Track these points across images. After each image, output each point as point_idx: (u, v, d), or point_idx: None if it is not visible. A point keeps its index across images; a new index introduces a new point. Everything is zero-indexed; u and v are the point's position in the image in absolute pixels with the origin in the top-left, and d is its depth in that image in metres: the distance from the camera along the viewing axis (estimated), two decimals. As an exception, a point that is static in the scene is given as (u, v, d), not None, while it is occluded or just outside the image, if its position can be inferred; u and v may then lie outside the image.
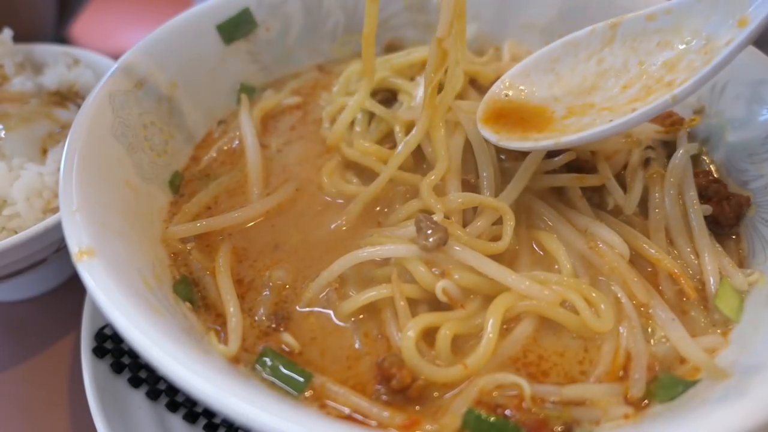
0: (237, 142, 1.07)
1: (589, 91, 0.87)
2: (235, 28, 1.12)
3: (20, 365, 1.14)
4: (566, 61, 0.88)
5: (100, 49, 1.39)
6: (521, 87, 0.91)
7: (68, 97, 1.28)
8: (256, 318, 0.84)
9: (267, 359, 0.78)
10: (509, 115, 0.91)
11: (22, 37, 1.34)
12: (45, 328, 1.19)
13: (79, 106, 1.24)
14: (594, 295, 0.82)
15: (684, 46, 0.84)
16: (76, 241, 0.71)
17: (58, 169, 1.04)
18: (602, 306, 0.81)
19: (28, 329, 1.19)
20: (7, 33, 1.32)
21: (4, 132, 1.11)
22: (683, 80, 0.80)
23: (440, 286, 0.81)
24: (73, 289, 1.23)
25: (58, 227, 0.97)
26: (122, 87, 0.94)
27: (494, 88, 0.94)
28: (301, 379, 0.76)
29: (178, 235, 0.91)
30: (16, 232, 1.04)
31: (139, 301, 0.69)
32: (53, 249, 1.08)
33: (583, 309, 0.80)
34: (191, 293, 0.86)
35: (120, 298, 0.67)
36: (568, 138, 0.83)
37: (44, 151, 1.13)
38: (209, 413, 0.94)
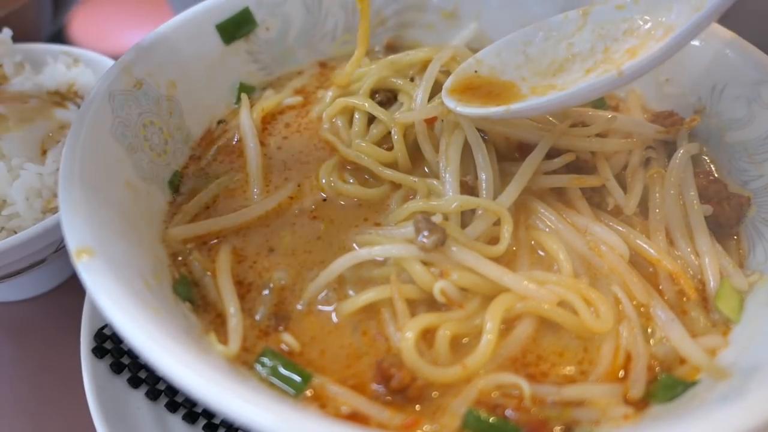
0: (237, 140, 1.06)
1: (554, 73, 0.90)
2: (235, 28, 1.12)
3: (20, 365, 1.14)
4: (537, 44, 0.92)
5: (99, 48, 1.39)
6: (491, 64, 0.95)
7: (68, 97, 1.28)
8: (257, 318, 0.84)
9: (266, 359, 0.78)
10: (478, 89, 0.94)
11: (17, 35, 1.34)
12: (45, 328, 1.19)
13: (78, 106, 1.24)
14: (593, 295, 0.82)
15: (647, 34, 0.87)
16: (75, 241, 0.71)
17: (58, 169, 1.04)
18: (601, 306, 0.81)
19: (28, 329, 1.19)
20: (7, 33, 1.31)
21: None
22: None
23: (438, 287, 0.81)
24: (73, 289, 1.23)
25: (57, 227, 0.97)
26: (121, 86, 0.94)
27: (464, 65, 0.98)
28: (300, 380, 0.76)
29: (178, 237, 0.91)
30: (15, 232, 1.04)
31: (139, 301, 0.69)
32: (53, 249, 1.08)
33: (582, 309, 0.80)
34: (191, 293, 0.86)
35: (119, 298, 0.67)
36: (517, 105, 0.87)
37: (44, 151, 1.13)
38: (209, 413, 0.94)
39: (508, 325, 0.82)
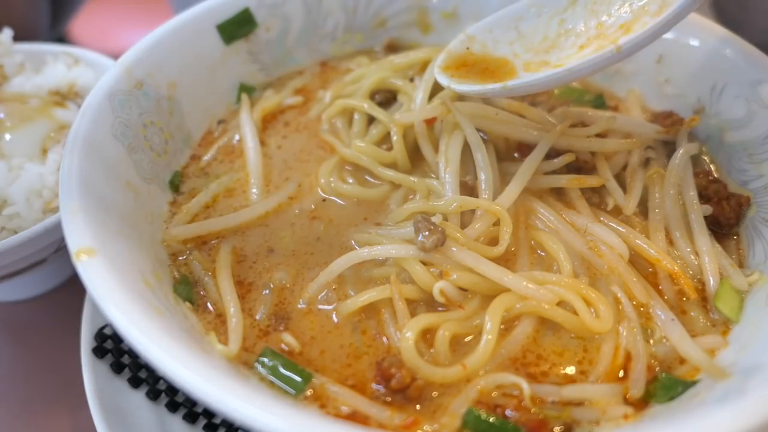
0: (237, 140, 1.07)
1: (547, 50, 0.90)
2: (235, 28, 1.12)
3: (20, 365, 1.14)
4: (530, 20, 0.91)
5: (99, 48, 1.39)
6: (483, 41, 0.94)
7: (68, 97, 1.28)
8: (257, 317, 0.84)
9: (266, 359, 0.78)
10: (472, 66, 0.94)
11: (16, 35, 1.34)
12: (45, 328, 1.18)
13: (79, 106, 1.24)
14: (593, 295, 0.82)
15: (640, 9, 0.86)
16: (76, 241, 0.71)
17: (58, 169, 1.04)
18: (601, 306, 0.81)
19: (28, 329, 1.19)
20: (7, 33, 1.31)
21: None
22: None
23: (438, 288, 0.81)
24: (73, 289, 1.22)
25: (58, 227, 0.97)
26: (122, 87, 0.94)
27: (456, 41, 0.97)
28: (300, 379, 0.76)
29: (178, 237, 0.91)
30: (16, 232, 1.04)
31: (139, 300, 0.69)
32: (53, 249, 1.08)
33: (582, 309, 0.80)
34: (191, 293, 0.86)
35: (120, 298, 0.67)
36: (514, 82, 0.87)
37: (44, 151, 1.12)
38: (209, 413, 0.94)
39: (507, 325, 0.82)
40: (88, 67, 1.32)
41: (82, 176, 0.79)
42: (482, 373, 0.77)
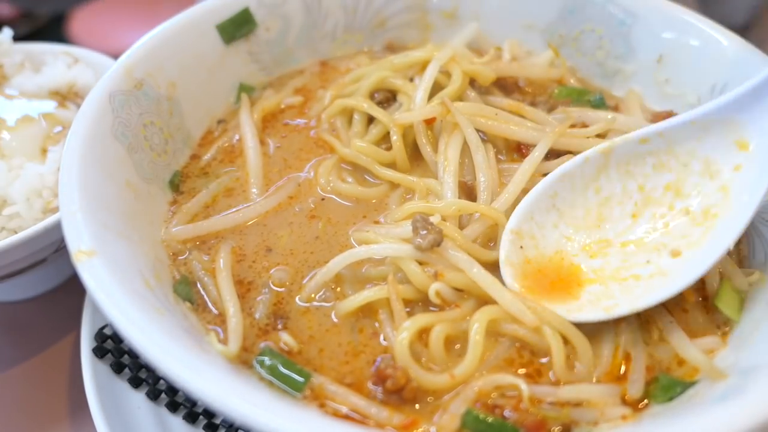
0: (237, 140, 1.07)
1: (597, 224, 0.84)
2: (235, 28, 1.12)
3: (20, 365, 1.14)
4: (564, 195, 0.84)
5: (99, 48, 1.39)
6: (530, 232, 0.84)
7: (68, 97, 1.28)
8: (256, 317, 0.84)
9: (266, 359, 0.78)
10: (538, 279, 0.84)
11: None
12: (45, 328, 1.18)
13: (79, 106, 1.23)
14: (577, 340, 0.78)
15: (682, 167, 0.84)
16: (76, 241, 0.71)
17: (58, 169, 1.04)
18: (582, 352, 0.78)
19: (28, 329, 1.19)
20: (7, 32, 1.31)
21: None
22: (711, 213, 0.80)
23: (433, 289, 0.81)
24: (73, 289, 1.23)
25: (57, 227, 0.97)
26: (122, 87, 0.94)
27: (507, 244, 0.83)
28: (300, 379, 0.76)
29: (178, 237, 0.91)
30: (16, 232, 1.04)
31: (139, 300, 0.69)
32: (53, 249, 1.08)
33: (557, 355, 0.77)
34: (191, 293, 0.86)
35: (120, 298, 0.67)
36: (583, 316, 0.78)
37: (44, 151, 1.12)
38: (209, 413, 0.94)
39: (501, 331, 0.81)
40: (87, 67, 1.32)
41: (82, 176, 0.79)
42: (479, 375, 0.77)
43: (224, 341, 0.80)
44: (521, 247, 0.81)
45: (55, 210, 1.06)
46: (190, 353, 0.65)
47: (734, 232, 0.78)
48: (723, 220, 0.80)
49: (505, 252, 0.81)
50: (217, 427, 0.94)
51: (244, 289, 0.87)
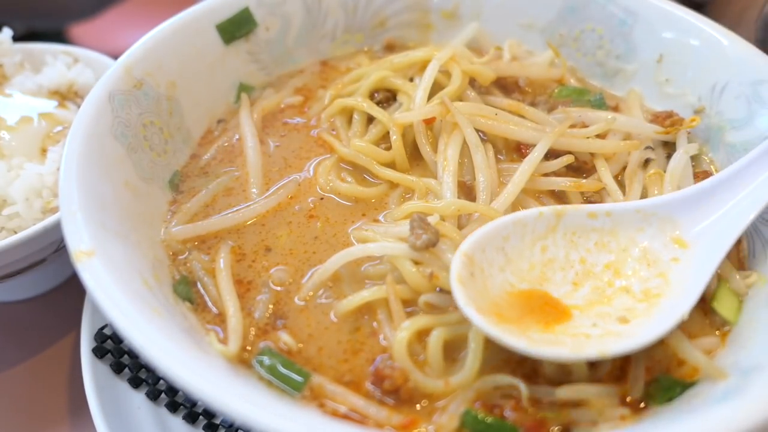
0: (236, 139, 1.07)
1: (540, 282, 0.83)
2: (235, 28, 1.12)
3: (20, 365, 1.14)
4: (514, 242, 0.83)
5: (99, 48, 1.39)
6: (480, 264, 0.81)
7: (68, 97, 1.28)
8: (256, 316, 0.84)
9: (265, 358, 0.78)
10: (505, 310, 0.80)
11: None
12: (45, 328, 1.19)
13: (78, 106, 1.23)
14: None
15: (622, 251, 0.86)
16: (75, 242, 0.71)
17: (58, 169, 1.03)
18: None
19: (28, 329, 1.19)
20: (7, 32, 1.31)
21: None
22: (653, 294, 0.81)
23: (422, 300, 0.81)
24: (72, 289, 1.23)
25: (57, 227, 0.97)
26: (122, 87, 0.94)
27: (457, 264, 0.79)
28: (300, 379, 0.76)
29: (178, 237, 0.91)
30: (15, 232, 1.04)
31: (139, 301, 0.69)
32: (53, 249, 1.08)
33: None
34: (191, 293, 0.86)
35: (119, 298, 0.67)
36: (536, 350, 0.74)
37: (44, 151, 1.12)
38: (209, 413, 0.95)
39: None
40: (87, 67, 1.32)
41: (82, 177, 0.79)
42: (470, 384, 0.76)
43: (224, 341, 0.80)
44: (472, 274, 0.79)
45: (55, 210, 1.06)
46: (190, 353, 0.65)
47: (683, 308, 0.78)
48: (667, 299, 0.81)
49: (456, 270, 0.78)
50: (217, 427, 0.94)
51: (243, 288, 0.87)
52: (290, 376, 0.77)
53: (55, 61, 1.32)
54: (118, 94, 0.92)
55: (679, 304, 0.79)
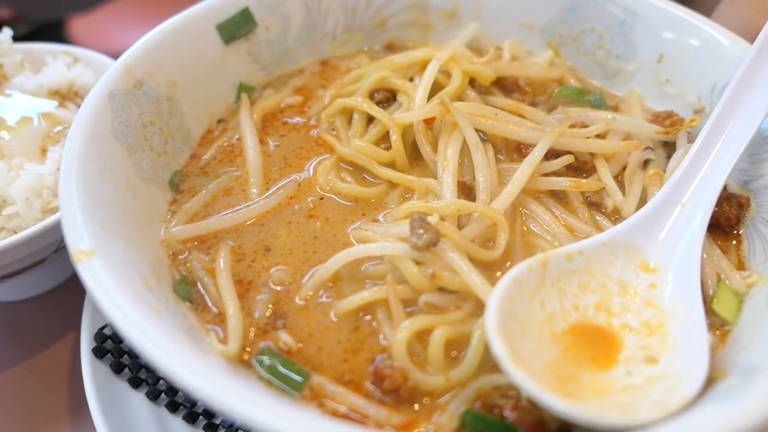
0: (236, 138, 1.07)
1: (552, 341, 0.77)
2: (235, 28, 1.12)
3: (20, 365, 1.13)
4: (519, 303, 0.78)
5: (99, 48, 1.39)
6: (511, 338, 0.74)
7: (68, 97, 1.28)
8: (255, 316, 0.84)
9: (265, 358, 0.78)
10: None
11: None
12: (44, 328, 1.19)
13: (78, 106, 1.22)
14: None
15: (602, 288, 0.83)
16: (75, 242, 0.71)
17: (58, 169, 1.04)
18: None
19: (28, 329, 1.19)
20: (7, 32, 1.31)
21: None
22: (654, 325, 0.79)
23: (422, 301, 0.82)
24: (72, 289, 1.23)
25: (57, 227, 0.97)
26: (122, 87, 0.94)
27: (498, 344, 0.71)
28: (299, 378, 0.76)
29: (178, 237, 0.91)
30: (15, 232, 1.04)
31: (139, 301, 0.69)
32: (53, 249, 1.08)
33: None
34: (191, 293, 0.86)
35: (120, 298, 0.67)
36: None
37: (44, 151, 1.12)
38: (209, 413, 0.94)
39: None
40: (87, 67, 1.32)
41: (82, 177, 0.79)
42: (470, 382, 0.77)
43: (224, 341, 0.80)
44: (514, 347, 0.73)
45: (55, 210, 1.06)
46: (190, 353, 0.65)
47: (699, 329, 0.77)
48: (674, 325, 0.79)
49: (503, 352, 0.70)
50: (217, 427, 0.94)
51: (243, 288, 0.87)
52: (290, 376, 0.77)
53: (55, 61, 1.32)
54: (118, 94, 0.92)
55: (691, 325, 0.78)
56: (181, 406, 0.95)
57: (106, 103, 0.90)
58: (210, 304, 0.85)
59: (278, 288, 0.87)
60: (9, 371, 1.13)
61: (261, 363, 0.78)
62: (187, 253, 0.91)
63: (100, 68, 1.31)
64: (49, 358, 1.14)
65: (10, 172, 1.08)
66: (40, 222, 1.02)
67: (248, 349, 0.81)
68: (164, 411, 0.94)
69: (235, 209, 0.96)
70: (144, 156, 0.94)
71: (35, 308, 1.23)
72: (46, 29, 2.44)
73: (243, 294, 0.86)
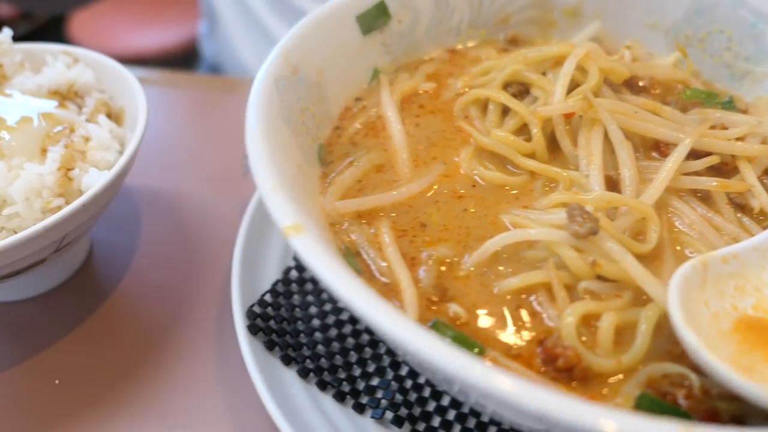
0: (376, 115, 1.09)
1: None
2: (373, 20, 1.15)
3: (20, 365, 1.12)
4: (690, 300, 0.79)
5: (99, 48, 1.37)
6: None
7: (68, 97, 1.26)
8: (423, 287, 0.86)
9: (442, 329, 0.80)
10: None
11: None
12: (45, 328, 1.17)
13: (79, 106, 1.24)
14: None
15: (757, 291, 0.84)
16: (282, 219, 0.73)
17: (58, 169, 1.04)
18: None
19: (28, 329, 1.17)
20: (7, 32, 1.29)
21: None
22: None
23: (582, 287, 0.83)
24: (73, 289, 1.23)
25: (57, 227, 0.98)
26: (283, 72, 0.96)
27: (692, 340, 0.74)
28: (477, 351, 0.78)
29: (341, 211, 0.94)
30: (15, 232, 1.02)
31: (344, 269, 0.71)
32: (53, 249, 1.06)
33: None
34: (357, 263, 0.88)
35: (332, 267, 0.70)
36: None
37: (44, 151, 1.10)
38: (356, 392, 0.96)
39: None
40: (87, 67, 1.30)
41: (268, 157, 0.81)
42: (639, 368, 0.78)
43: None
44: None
45: (55, 210, 1.04)
46: (398, 313, 0.67)
47: None
48: None
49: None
50: (364, 407, 0.95)
51: (408, 262, 0.89)
52: (467, 349, 0.78)
53: (55, 61, 1.30)
54: (281, 80, 0.95)
55: None
56: (329, 385, 0.97)
57: (273, 87, 0.92)
58: (378, 274, 0.87)
59: (440, 263, 0.89)
60: (9, 371, 1.11)
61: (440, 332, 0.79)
62: (346, 224, 0.93)
63: (100, 68, 1.29)
64: (49, 358, 1.12)
65: (10, 172, 1.06)
66: (40, 222, 0.99)
67: (420, 320, 0.82)
68: (314, 389, 0.96)
69: (386, 186, 0.98)
70: (303, 140, 0.96)
71: (35, 308, 1.20)
72: (47, 29, 2.43)
73: (409, 267, 0.88)
